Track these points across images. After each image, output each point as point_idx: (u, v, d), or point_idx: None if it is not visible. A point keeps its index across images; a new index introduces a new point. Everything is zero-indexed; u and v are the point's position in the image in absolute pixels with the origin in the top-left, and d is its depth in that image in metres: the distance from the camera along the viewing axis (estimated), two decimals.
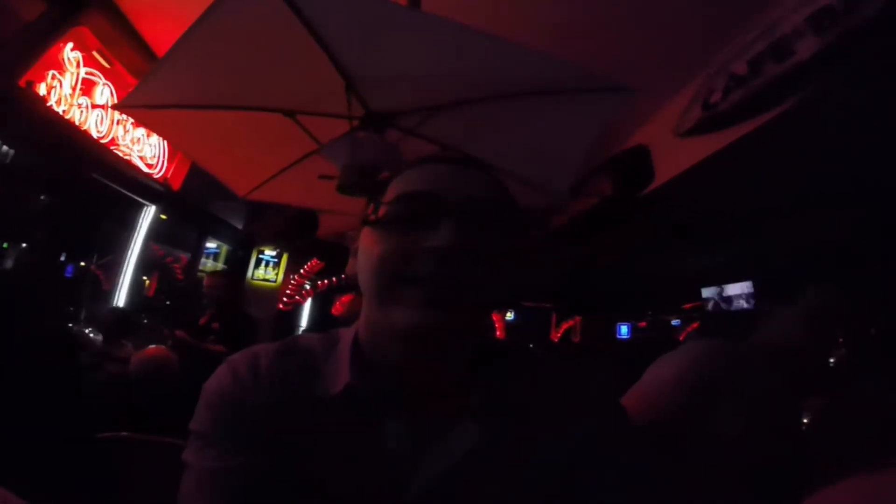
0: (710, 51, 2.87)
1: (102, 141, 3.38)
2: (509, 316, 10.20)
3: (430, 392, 0.62)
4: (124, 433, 1.61)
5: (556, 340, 9.76)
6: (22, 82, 2.69)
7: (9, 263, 3.45)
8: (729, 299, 6.56)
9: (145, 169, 3.92)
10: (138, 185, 4.06)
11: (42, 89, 2.82)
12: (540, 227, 5.22)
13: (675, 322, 9.32)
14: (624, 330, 10.01)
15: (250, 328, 3.53)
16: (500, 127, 2.03)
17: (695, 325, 8.50)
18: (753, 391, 1.07)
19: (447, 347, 0.61)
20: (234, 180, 2.74)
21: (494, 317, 8.13)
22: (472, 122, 2.02)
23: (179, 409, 0.79)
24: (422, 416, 0.61)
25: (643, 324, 9.94)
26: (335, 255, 6.53)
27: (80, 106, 3.11)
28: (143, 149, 3.85)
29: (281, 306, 6.70)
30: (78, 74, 3.06)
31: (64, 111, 2.99)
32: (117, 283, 4.29)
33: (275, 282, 6.69)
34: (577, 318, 9.85)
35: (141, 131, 3.74)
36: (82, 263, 4.31)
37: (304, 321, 7.90)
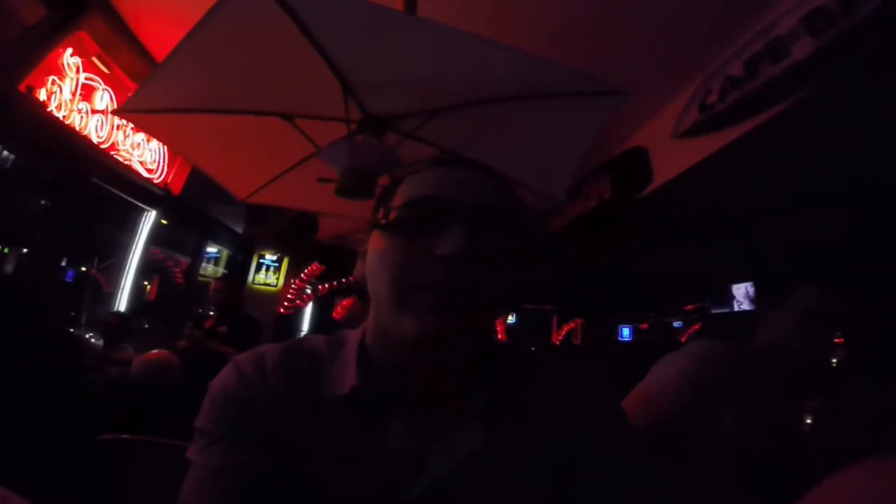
0: (708, 52, 2.89)
1: (103, 146, 3.40)
2: (511, 319, 10.20)
3: (434, 394, 0.63)
4: (125, 435, 1.61)
5: (558, 343, 9.75)
6: (22, 87, 2.70)
7: (10, 268, 3.46)
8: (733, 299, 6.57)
9: (145, 174, 3.94)
10: (139, 190, 4.08)
11: (42, 94, 2.84)
12: (540, 230, 5.23)
13: (676, 324, 9.30)
14: (626, 332, 9.99)
15: (256, 331, 3.55)
16: (497, 130, 2.04)
17: (696, 326, 8.50)
18: (754, 392, 1.08)
19: (455, 351, 0.61)
20: (233, 184, 2.74)
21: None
22: (469, 125, 2.03)
23: (183, 411, 0.80)
24: (425, 417, 0.62)
25: (645, 326, 9.93)
26: (336, 258, 6.54)
27: (79, 111, 3.13)
28: (144, 153, 3.87)
29: (282, 310, 6.70)
30: (77, 79, 3.08)
31: (64, 116, 3.01)
32: (118, 287, 4.30)
33: (275, 286, 6.69)
34: (579, 321, 9.85)
35: (141, 136, 3.76)
36: (83, 268, 4.32)
37: (305, 325, 7.90)
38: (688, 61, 2.99)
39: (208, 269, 6.20)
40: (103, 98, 3.29)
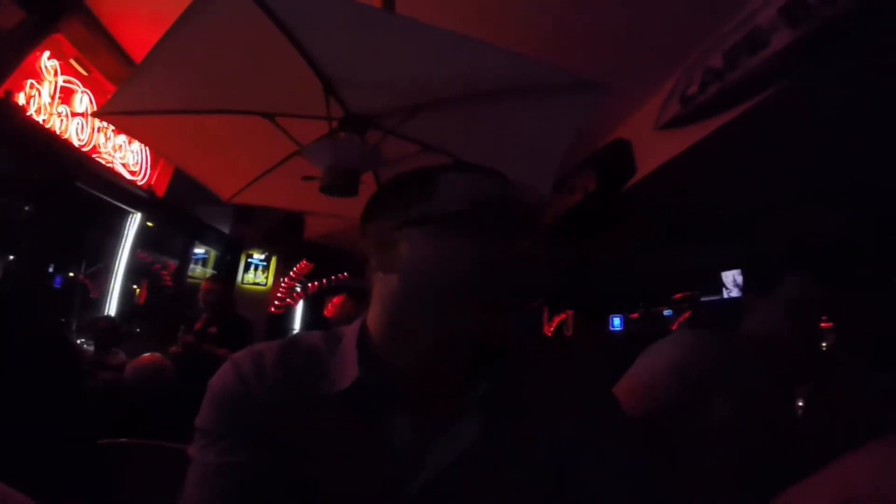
0: (689, 44, 2.89)
1: (84, 149, 3.36)
2: None
3: (434, 392, 0.64)
4: (123, 439, 1.61)
5: (550, 335, 9.78)
6: (0, 92, 2.67)
7: None
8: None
9: (129, 176, 3.90)
10: (122, 193, 4.04)
11: (21, 98, 2.80)
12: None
13: (666, 313, 9.36)
14: (616, 322, 10.05)
15: (247, 331, 3.54)
16: (479, 126, 2.04)
17: (687, 314, 8.56)
18: (744, 382, 1.07)
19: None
20: (217, 184, 2.73)
21: None
22: (451, 121, 2.04)
23: (178, 413, 0.80)
24: (425, 415, 0.62)
25: (635, 315, 9.99)
26: (324, 256, 6.52)
27: (59, 114, 3.09)
28: (126, 155, 3.83)
29: (273, 309, 6.68)
30: (56, 83, 3.04)
31: (44, 120, 2.97)
32: (106, 292, 4.27)
33: (265, 285, 6.66)
34: (570, 312, 9.89)
35: (122, 138, 3.72)
36: (71, 274, 4.28)
37: (297, 324, 7.88)
38: (669, 53, 3.00)
39: (196, 270, 6.16)
40: (83, 101, 3.25)
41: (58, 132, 3.10)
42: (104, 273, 4.32)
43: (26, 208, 3.51)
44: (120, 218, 4.36)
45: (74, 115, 3.21)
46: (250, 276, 6.56)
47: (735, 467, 1.03)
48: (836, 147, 2.85)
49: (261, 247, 6.57)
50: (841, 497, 0.49)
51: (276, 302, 6.71)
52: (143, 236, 4.54)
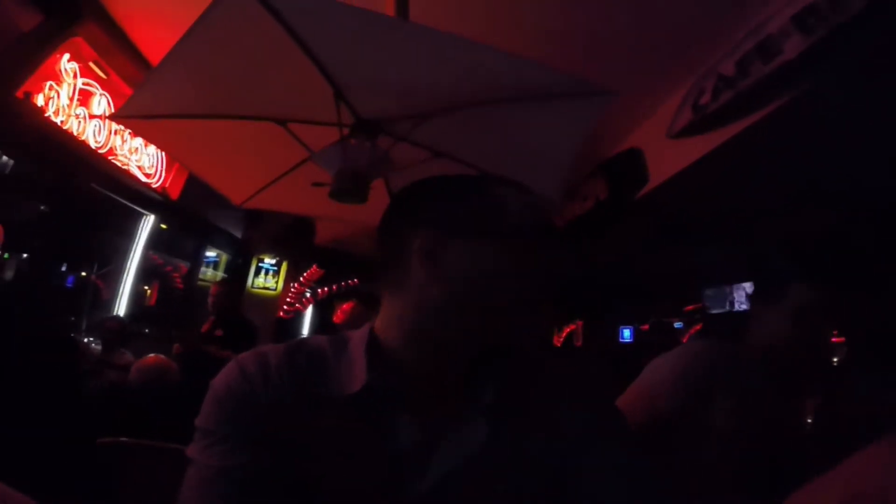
0: (703, 52, 2.89)
1: (101, 151, 3.41)
2: None
3: (440, 393, 0.64)
4: (124, 438, 1.62)
5: (559, 345, 9.72)
6: (20, 93, 2.72)
7: (10, 274, 3.48)
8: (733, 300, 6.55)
9: (144, 178, 3.95)
10: (137, 195, 4.10)
11: (40, 100, 2.85)
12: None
13: (677, 324, 9.27)
14: (626, 333, 9.96)
15: (252, 334, 3.55)
16: (489, 132, 2.04)
17: (698, 326, 8.47)
18: (749, 391, 1.09)
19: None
20: (229, 189, 2.75)
21: None
22: (462, 127, 2.03)
23: (181, 414, 0.80)
24: (431, 415, 0.62)
25: (646, 327, 9.90)
26: (334, 261, 6.55)
27: (77, 116, 3.15)
28: (142, 158, 3.89)
29: (281, 314, 6.70)
30: (75, 85, 3.09)
31: (62, 122, 3.03)
32: (117, 293, 4.32)
33: (275, 290, 6.69)
34: (579, 322, 9.82)
35: (139, 141, 3.77)
36: (83, 273, 4.34)
37: (305, 329, 7.90)
38: (681, 61, 3.00)
39: (207, 273, 6.20)
40: (101, 103, 3.31)
41: (75, 134, 3.15)
42: (116, 273, 4.37)
43: (41, 208, 3.57)
44: (133, 219, 4.41)
45: (92, 117, 3.26)
46: (260, 281, 6.59)
47: (735, 467, 1.05)
48: (849, 149, 2.82)
49: (271, 251, 6.60)
50: (847, 496, 0.48)
51: (285, 307, 6.73)
52: (155, 238, 4.59)
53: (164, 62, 1.65)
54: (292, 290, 6.79)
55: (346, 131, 2.03)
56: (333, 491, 0.59)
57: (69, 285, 4.14)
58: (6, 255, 3.44)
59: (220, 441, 0.59)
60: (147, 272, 4.78)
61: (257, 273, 6.60)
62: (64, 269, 3.96)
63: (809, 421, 1.41)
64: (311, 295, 7.07)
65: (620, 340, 9.92)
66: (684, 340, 7.99)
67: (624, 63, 2.92)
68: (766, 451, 1.07)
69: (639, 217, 4.06)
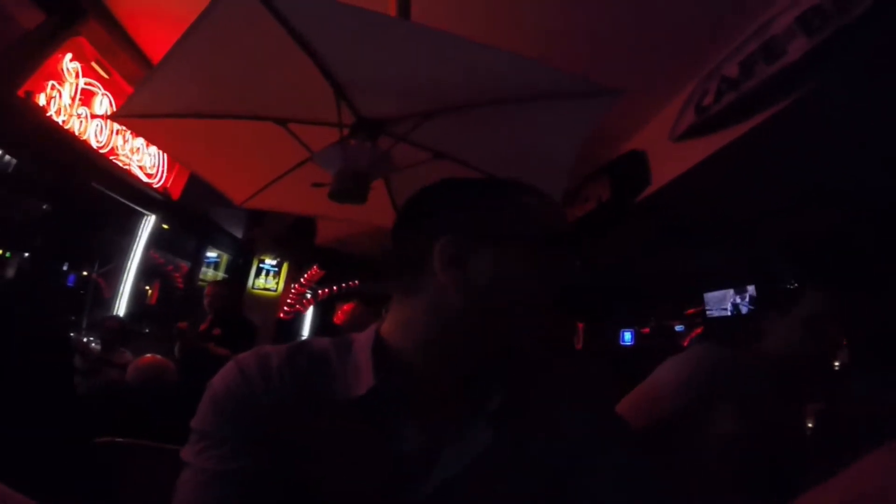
0: (706, 53, 2.88)
1: (102, 150, 3.41)
2: None
3: (445, 396, 0.64)
4: (121, 438, 1.61)
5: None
6: (21, 92, 2.72)
7: (11, 272, 3.47)
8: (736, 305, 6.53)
9: (145, 178, 3.95)
10: (138, 195, 4.10)
11: (41, 99, 2.85)
12: None
13: (678, 328, 9.25)
14: (627, 336, 9.93)
15: (250, 333, 3.55)
16: (490, 132, 2.03)
17: (699, 330, 8.44)
18: (743, 387, 1.11)
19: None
20: (230, 188, 2.75)
21: None
22: (463, 127, 2.03)
23: (180, 414, 0.79)
24: (435, 418, 0.62)
25: (647, 330, 9.87)
26: (335, 262, 6.54)
27: (79, 116, 3.14)
28: (143, 158, 3.88)
29: (282, 315, 6.69)
30: (77, 84, 3.09)
31: (63, 121, 3.03)
32: (118, 292, 4.31)
33: (275, 291, 6.68)
34: (580, 325, 9.80)
35: (140, 141, 3.77)
36: (84, 272, 4.33)
37: (306, 330, 7.89)
38: (684, 62, 2.99)
39: (208, 273, 6.20)
40: (102, 103, 3.31)
41: (77, 133, 3.15)
42: (117, 272, 4.37)
43: (43, 206, 3.57)
44: (135, 219, 4.42)
45: (94, 116, 3.26)
46: (261, 282, 6.58)
47: (735, 468, 1.07)
48: (854, 151, 2.81)
49: (272, 252, 6.60)
50: (847, 498, 0.48)
51: (286, 308, 6.72)
52: (156, 237, 4.59)
53: (164, 62, 1.65)
54: (293, 291, 6.78)
55: (346, 131, 2.03)
56: (335, 494, 0.58)
57: (70, 284, 4.14)
58: (8, 254, 3.44)
59: (217, 444, 0.58)
60: (148, 271, 4.78)
61: (258, 274, 6.59)
62: (65, 268, 3.96)
63: (810, 425, 1.42)
64: (312, 296, 7.06)
65: (621, 343, 9.90)
66: (685, 344, 7.98)
67: (626, 64, 2.92)
68: (766, 454, 1.08)
69: (640, 219, 4.05)
